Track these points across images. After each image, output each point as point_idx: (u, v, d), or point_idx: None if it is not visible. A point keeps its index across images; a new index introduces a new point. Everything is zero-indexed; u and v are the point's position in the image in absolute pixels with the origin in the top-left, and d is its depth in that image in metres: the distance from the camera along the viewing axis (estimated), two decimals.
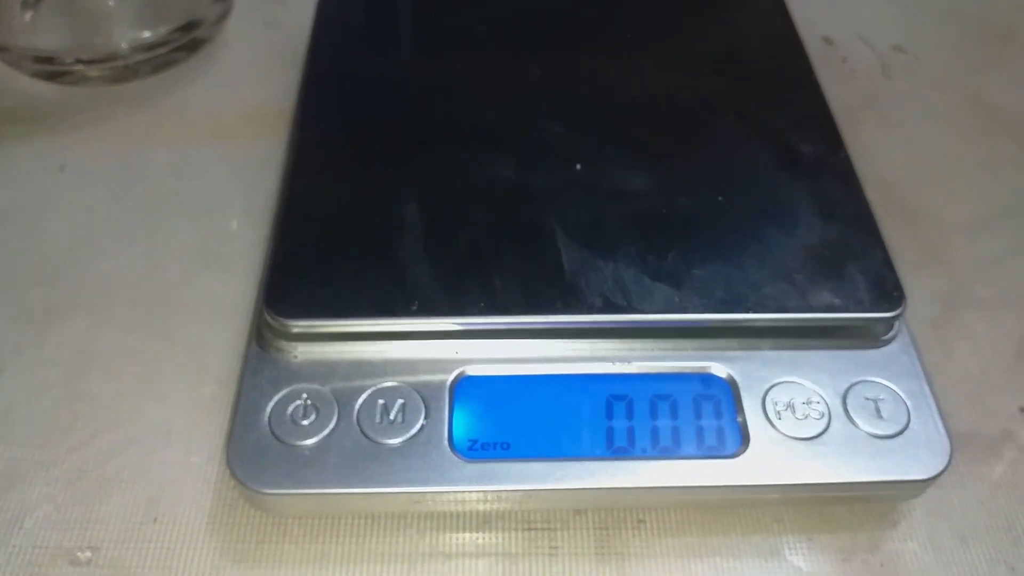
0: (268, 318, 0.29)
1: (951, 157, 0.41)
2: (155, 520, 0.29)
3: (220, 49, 0.46)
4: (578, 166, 0.34)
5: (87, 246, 0.37)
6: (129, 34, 0.44)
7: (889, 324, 0.30)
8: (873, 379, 0.29)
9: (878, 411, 0.28)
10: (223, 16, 0.47)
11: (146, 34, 0.44)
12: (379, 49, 0.40)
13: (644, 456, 0.28)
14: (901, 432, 0.28)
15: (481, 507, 0.28)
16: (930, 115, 0.43)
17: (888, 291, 0.30)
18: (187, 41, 0.45)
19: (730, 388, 0.29)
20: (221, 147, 0.41)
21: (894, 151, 0.41)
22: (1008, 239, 0.37)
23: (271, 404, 0.28)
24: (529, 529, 0.29)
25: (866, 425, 0.28)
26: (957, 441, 0.30)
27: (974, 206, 0.39)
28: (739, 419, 0.28)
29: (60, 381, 0.32)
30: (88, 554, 0.28)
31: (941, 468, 0.27)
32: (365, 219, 0.32)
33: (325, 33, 0.41)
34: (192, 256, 0.36)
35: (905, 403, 0.29)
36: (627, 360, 0.30)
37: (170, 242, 0.37)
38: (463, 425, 0.28)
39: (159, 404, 0.32)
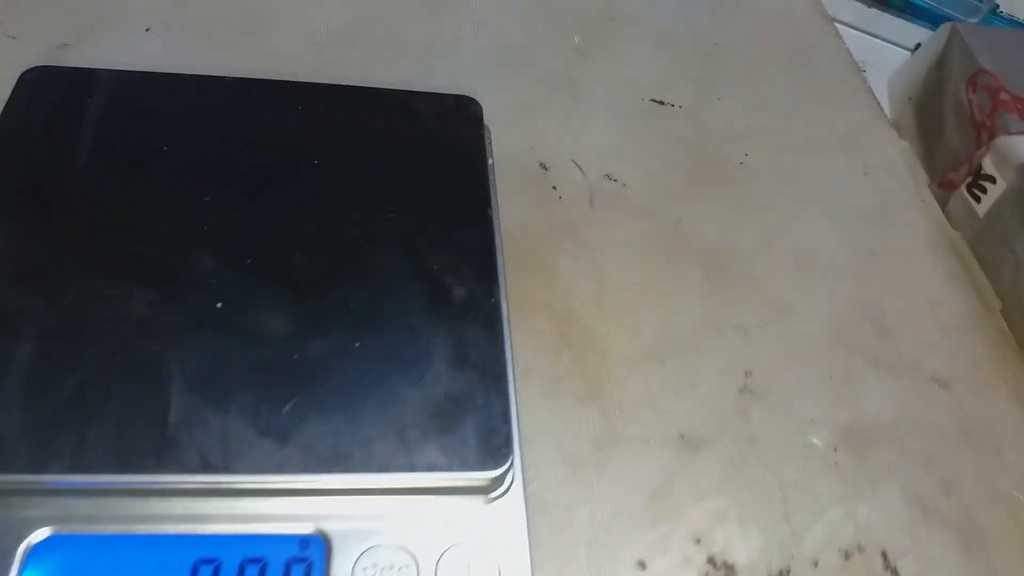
0: None
1: (635, 287, 0.42)
2: None
3: None
4: (219, 304, 0.33)
5: None
6: None
7: (498, 480, 0.30)
8: (471, 541, 0.29)
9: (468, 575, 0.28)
10: None
11: None
12: (51, 158, 0.38)
13: None
14: None
15: None
16: (625, 244, 0.44)
17: (497, 447, 0.30)
18: None
19: (325, 548, 0.29)
20: None
21: (584, 282, 0.42)
22: (671, 375, 0.39)
23: None
24: None
25: None
26: None
27: (646, 340, 0.40)
28: None
29: None
30: None
31: None
32: None
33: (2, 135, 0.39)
34: None
35: (498, 565, 0.29)
36: (223, 520, 0.29)
37: None
38: None
39: None
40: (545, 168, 0.48)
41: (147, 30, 0.52)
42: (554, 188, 0.47)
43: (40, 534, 0.28)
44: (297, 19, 0.53)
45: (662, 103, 0.53)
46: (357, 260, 0.36)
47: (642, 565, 0.32)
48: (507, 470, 0.30)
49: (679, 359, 0.40)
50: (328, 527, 0.29)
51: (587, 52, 0.56)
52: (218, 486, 0.29)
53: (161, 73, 0.43)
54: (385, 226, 0.37)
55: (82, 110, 0.40)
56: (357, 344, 0.33)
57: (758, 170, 0.50)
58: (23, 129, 0.39)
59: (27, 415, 0.29)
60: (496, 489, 0.30)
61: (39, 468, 0.28)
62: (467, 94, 0.45)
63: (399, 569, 0.28)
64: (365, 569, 0.28)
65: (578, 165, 0.48)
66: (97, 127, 0.39)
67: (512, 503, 0.30)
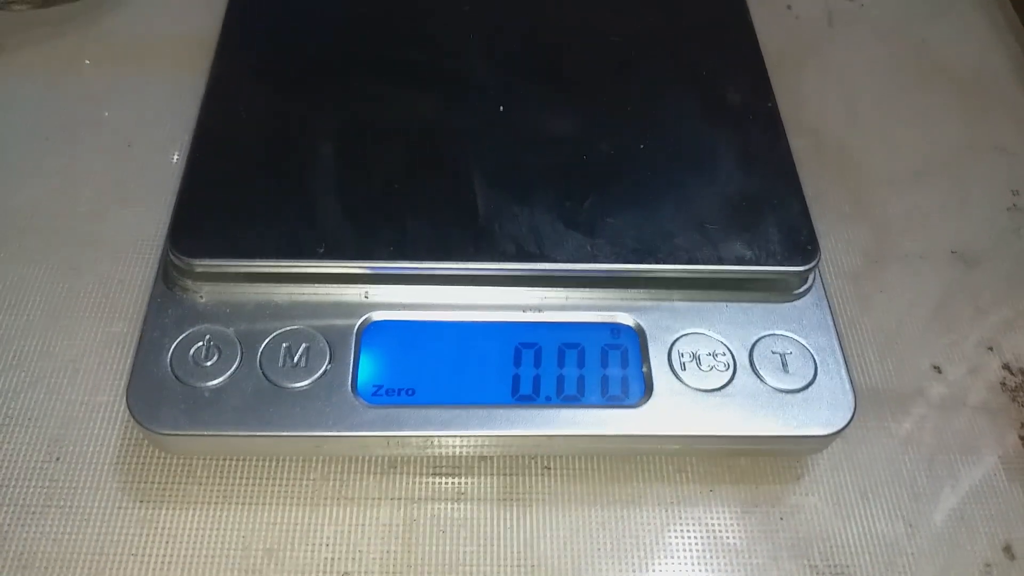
0: (172, 256, 0.29)
1: (888, 108, 0.41)
2: (57, 459, 0.29)
3: None
4: (501, 107, 0.33)
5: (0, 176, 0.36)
6: None
7: (802, 278, 0.30)
8: (782, 332, 0.29)
9: (784, 365, 0.28)
10: None
11: None
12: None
13: (548, 404, 0.28)
14: (806, 387, 0.28)
15: (385, 452, 0.28)
16: (871, 65, 0.42)
17: (802, 244, 0.30)
18: None
19: (637, 338, 0.29)
20: (146, 76, 0.40)
21: (831, 101, 0.41)
22: (936, 193, 0.37)
23: (173, 344, 0.28)
24: (435, 475, 0.29)
25: (771, 379, 0.28)
26: (866, 397, 0.30)
27: (906, 159, 0.39)
28: (644, 369, 0.28)
29: None
30: None
31: (842, 425, 0.28)
32: (276, 156, 0.31)
33: None
34: (108, 189, 0.36)
35: (813, 357, 0.29)
36: (538, 308, 0.29)
37: (86, 174, 0.36)
38: (368, 370, 0.28)
39: (67, 341, 0.31)
40: None
41: None
42: (788, 8, 0.45)
43: (372, 316, 0.29)
44: None
45: None
46: (630, 68, 0.35)
47: (937, 369, 0.32)
48: (814, 266, 0.30)
49: (940, 176, 0.38)
50: (639, 317, 0.29)
51: None
52: (534, 274, 0.29)
53: None
54: (652, 39, 0.36)
55: None
56: (642, 145, 0.32)
57: None
58: None
59: (353, 210, 0.30)
60: (801, 286, 0.30)
61: (369, 255, 0.29)
62: None
63: (714, 356, 0.28)
64: (681, 355, 0.28)
65: None
66: None
67: (816, 300, 0.30)
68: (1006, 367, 0.32)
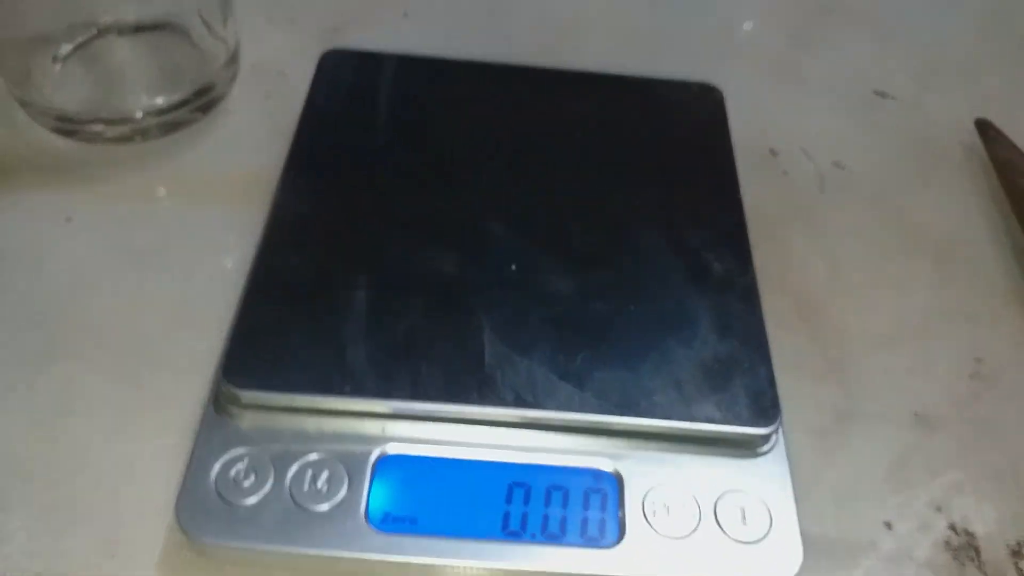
0: (223, 387, 0.34)
1: (868, 272, 0.45)
2: (112, 556, 0.33)
3: (223, 116, 0.51)
4: (513, 267, 0.38)
5: (81, 294, 0.41)
6: (144, 100, 0.48)
7: (765, 437, 0.34)
8: (744, 488, 0.33)
9: (744, 518, 0.33)
10: (232, 78, 0.51)
11: (159, 100, 0.48)
12: (358, 133, 0.44)
13: (532, 541, 0.32)
14: (761, 539, 0.32)
15: (388, 572, 0.32)
16: (855, 230, 0.47)
17: (766, 408, 0.34)
18: (200, 104, 0.49)
19: (616, 484, 0.33)
20: (212, 210, 0.46)
21: (816, 262, 0.45)
22: (904, 357, 0.41)
23: (218, 464, 0.33)
24: None
25: (731, 530, 0.32)
26: (819, 547, 0.34)
27: (879, 322, 0.43)
28: (620, 514, 0.32)
29: (46, 421, 0.37)
30: None
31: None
32: (317, 302, 0.37)
33: (314, 112, 0.46)
34: (172, 311, 0.41)
35: (769, 512, 0.33)
36: (531, 449, 0.34)
37: (155, 296, 0.41)
38: (379, 498, 0.32)
39: (128, 450, 0.36)
40: (775, 154, 0.51)
41: (405, 14, 0.57)
42: (785, 174, 0.50)
43: (386, 449, 0.33)
44: (538, 5, 0.58)
45: (884, 95, 0.55)
46: (626, 236, 0.40)
47: (888, 525, 0.35)
48: (775, 429, 0.34)
49: (910, 342, 0.42)
50: (619, 464, 0.34)
51: (808, 43, 0.58)
52: (528, 420, 0.34)
53: (438, 59, 0.49)
54: (647, 208, 0.42)
55: (374, 90, 0.46)
56: (632, 307, 0.37)
57: (985, 163, 0.51)
58: (330, 105, 0.45)
59: (377, 354, 0.35)
60: (763, 445, 0.34)
61: (387, 395, 0.34)
62: (698, 81, 0.49)
63: (684, 507, 0.33)
64: (653, 503, 0.33)
65: (806, 152, 0.51)
66: (389, 107, 0.45)
67: (777, 459, 0.34)
68: (951, 527, 0.36)
